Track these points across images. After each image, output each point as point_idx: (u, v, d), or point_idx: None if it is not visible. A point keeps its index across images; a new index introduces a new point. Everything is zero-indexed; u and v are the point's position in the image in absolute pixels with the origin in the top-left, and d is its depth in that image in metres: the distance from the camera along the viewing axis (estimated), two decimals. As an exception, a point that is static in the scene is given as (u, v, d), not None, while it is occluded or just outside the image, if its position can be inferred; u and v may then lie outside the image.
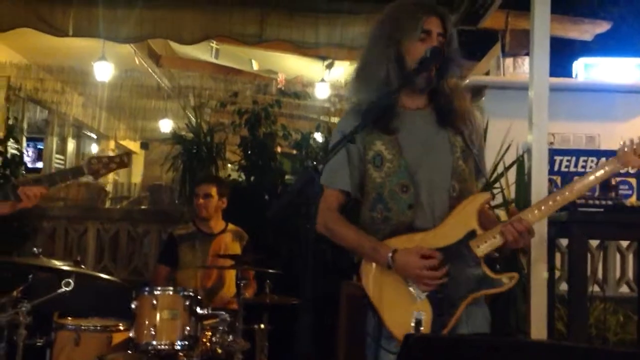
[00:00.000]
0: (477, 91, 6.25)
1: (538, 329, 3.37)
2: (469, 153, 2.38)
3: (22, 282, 3.61)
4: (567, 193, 2.28)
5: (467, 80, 6.23)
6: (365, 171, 2.36)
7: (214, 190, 4.63)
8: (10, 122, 6.43)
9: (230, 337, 3.75)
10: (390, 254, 2.22)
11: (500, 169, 4.38)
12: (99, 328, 3.73)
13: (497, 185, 4.34)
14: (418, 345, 1.44)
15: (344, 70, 8.64)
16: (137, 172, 15.67)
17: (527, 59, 6.24)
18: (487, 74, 6.84)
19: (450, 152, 2.35)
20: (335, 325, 4.27)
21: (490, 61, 6.82)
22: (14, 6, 5.15)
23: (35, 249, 3.80)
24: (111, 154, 3.08)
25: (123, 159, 3.10)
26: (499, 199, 4.27)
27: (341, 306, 4.21)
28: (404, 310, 2.22)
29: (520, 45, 6.34)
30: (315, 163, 1.98)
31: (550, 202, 2.28)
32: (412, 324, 2.18)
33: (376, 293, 2.25)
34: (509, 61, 6.49)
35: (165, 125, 11.62)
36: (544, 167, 3.53)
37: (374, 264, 2.27)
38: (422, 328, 2.19)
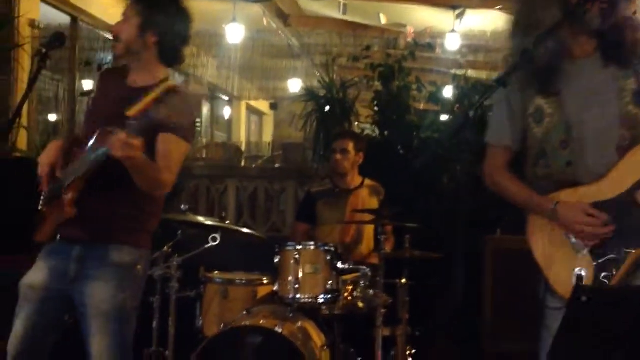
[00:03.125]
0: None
1: None
2: None
3: (172, 238, 3.77)
4: None
5: None
6: (527, 125, 2.24)
7: (350, 146, 4.60)
8: (151, 86, 6.67)
9: (372, 291, 3.76)
10: (552, 206, 2.12)
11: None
12: (244, 282, 3.84)
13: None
14: (588, 296, 1.36)
15: (477, 19, 8.33)
16: (267, 132, 16.10)
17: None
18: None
19: (618, 98, 2.13)
20: (479, 279, 4.18)
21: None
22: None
23: (182, 206, 3.94)
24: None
25: None
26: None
27: (486, 261, 4.10)
28: (566, 265, 2.11)
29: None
30: (466, 111, 1.89)
31: None
32: (573, 280, 2.05)
33: (540, 249, 2.17)
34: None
35: (294, 85, 11.72)
36: None
37: (538, 220, 2.19)
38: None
